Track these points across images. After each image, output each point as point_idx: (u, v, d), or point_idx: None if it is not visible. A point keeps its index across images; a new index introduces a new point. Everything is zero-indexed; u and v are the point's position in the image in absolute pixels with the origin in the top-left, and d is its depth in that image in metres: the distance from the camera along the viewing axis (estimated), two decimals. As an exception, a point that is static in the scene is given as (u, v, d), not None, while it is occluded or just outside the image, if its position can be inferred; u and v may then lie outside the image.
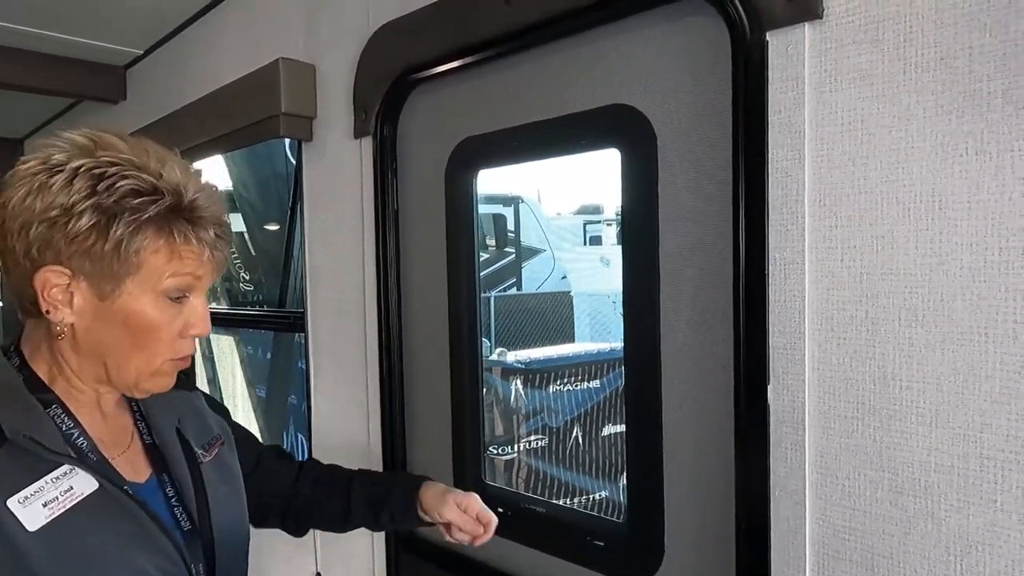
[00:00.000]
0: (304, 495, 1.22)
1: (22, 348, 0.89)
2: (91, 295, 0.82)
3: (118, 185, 0.78)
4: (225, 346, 2.86)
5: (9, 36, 2.43)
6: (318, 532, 1.91)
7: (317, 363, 1.88)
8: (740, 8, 0.96)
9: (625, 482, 1.22)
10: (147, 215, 0.79)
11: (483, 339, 3.69)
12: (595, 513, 1.42)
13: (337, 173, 1.74)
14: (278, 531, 2.05)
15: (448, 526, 1.12)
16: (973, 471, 0.80)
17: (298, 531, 1.27)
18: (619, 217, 1.20)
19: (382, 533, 1.66)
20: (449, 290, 1.50)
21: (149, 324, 0.84)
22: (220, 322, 2.72)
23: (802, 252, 0.92)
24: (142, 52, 2.67)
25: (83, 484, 0.83)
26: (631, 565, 1.21)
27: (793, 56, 0.92)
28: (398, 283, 1.60)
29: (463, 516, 1.11)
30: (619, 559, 1.23)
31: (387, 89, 1.54)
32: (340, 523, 1.25)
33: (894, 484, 0.86)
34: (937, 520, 0.83)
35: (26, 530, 0.77)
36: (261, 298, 3.59)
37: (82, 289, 0.81)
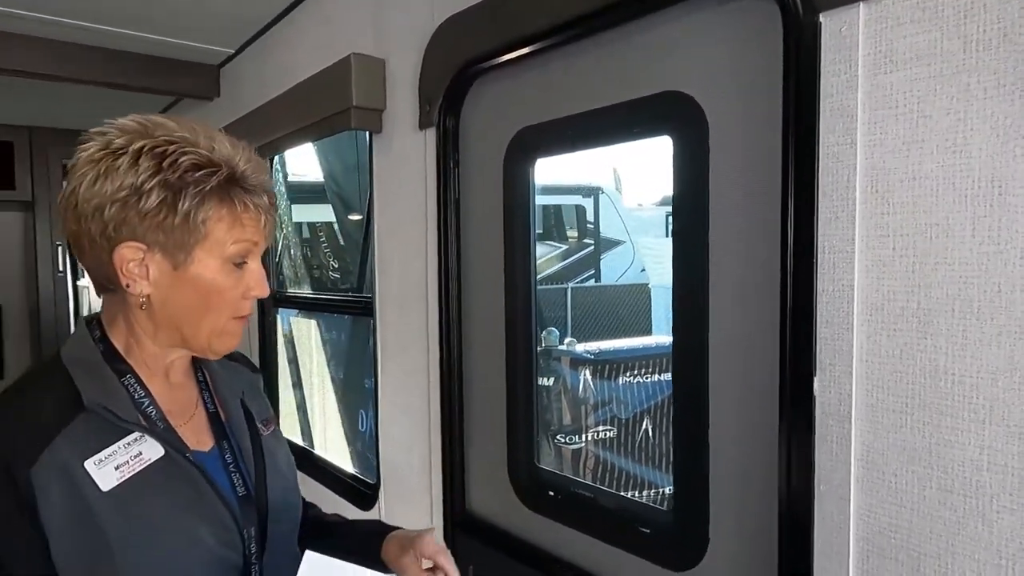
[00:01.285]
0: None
1: (102, 321, 0.98)
2: (166, 266, 0.89)
3: (180, 161, 0.85)
4: (304, 329, 3.03)
5: (116, 40, 2.65)
6: (383, 508, 2.01)
7: (384, 346, 1.97)
8: (791, -11, 0.93)
9: (673, 468, 1.22)
10: (209, 186, 0.86)
11: (555, 329, 3.72)
12: (643, 501, 1.41)
13: (403, 164, 1.81)
14: (344, 507, 2.16)
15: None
16: (1028, 472, 0.76)
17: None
18: (671, 204, 1.19)
19: (439, 508, 1.72)
20: (506, 280, 1.53)
21: (218, 288, 0.91)
22: (299, 306, 2.88)
23: (852, 241, 0.89)
24: (233, 51, 2.85)
25: (151, 450, 0.91)
26: (676, 554, 1.21)
27: (847, 37, 0.89)
28: (458, 272, 1.65)
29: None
30: (664, 548, 1.23)
31: (449, 81, 1.58)
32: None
33: (943, 482, 0.83)
34: (988, 522, 0.79)
35: (100, 489, 0.85)
36: (349, 286, 3.76)
37: (157, 261, 0.89)
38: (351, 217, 3.90)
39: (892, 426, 0.87)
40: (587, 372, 3.58)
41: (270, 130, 2.29)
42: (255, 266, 0.94)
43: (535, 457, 1.54)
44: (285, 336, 2.90)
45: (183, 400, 1.02)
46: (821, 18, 0.91)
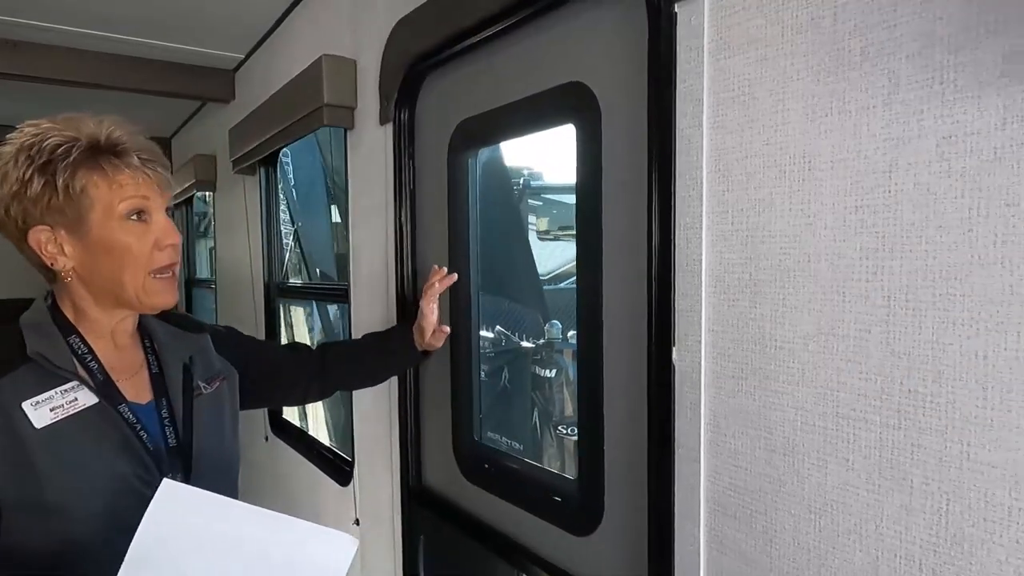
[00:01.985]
0: (331, 372, 1.54)
1: (56, 299, 1.13)
2: (73, 238, 1.03)
3: (44, 145, 0.99)
4: (298, 315, 3.21)
5: (139, 48, 2.86)
6: (358, 486, 2.13)
7: (356, 330, 2.08)
8: (654, -18, 0.99)
9: (577, 442, 1.28)
10: (73, 158, 0.99)
11: (557, 322, 3.76)
12: (557, 472, 1.48)
13: (370, 157, 1.92)
14: (327, 487, 2.29)
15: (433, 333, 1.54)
16: (831, 429, 0.80)
17: (324, 395, 1.62)
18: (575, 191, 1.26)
19: (399, 486, 1.83)
20: (449, 266, 1.62)
21: (124, 245, 1.04)
22: (293, 295, 3.03)
23: (700, 217, 0.95)
24: (244, 56, 3.03)
25: (86, 398, 1.05)
26: (580, 522, 1.27)
27: (695, 25, 0.94)
28: (413, 260, 1.74)
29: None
30: (571, 516, 1.30)
31: (402, 78, 1.68)
32: (363, 384, 1.71)
33: (768, 443, 0.87)
34: (802, 478, 0.84)
35: (33, 427, 0.99)
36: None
37: (64, 237, 1.03)
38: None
39: (731, 391, 0.92)
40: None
41: (264, 130, 2.44)
42: (159, 217, 1.06)
43: (476, 433, 1.62)
44: (285, 322, 3.07)
45: (128, 360, 1.16)
46: (676, 8, 0.97)
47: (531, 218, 4.70)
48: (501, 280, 3.51)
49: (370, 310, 1.98)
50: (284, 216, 3.12)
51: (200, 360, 1.24)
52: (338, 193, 3.73)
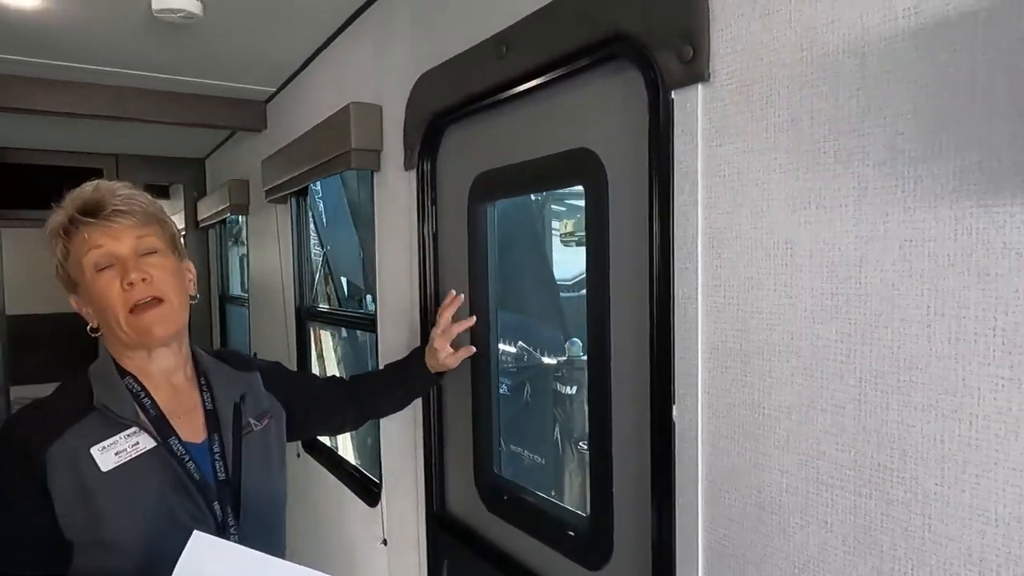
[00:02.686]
0: (362, 402, 1.69)
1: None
2: (82, 300, 1.22)
3: (50, 227, 1.21)
4: (326, 338, 3.35)
5: (181, 85, 3.02)
6: (385, 507, 2.24)
7: (383, 359, 2.19)
8: (653, 69, 1.08)
9: (590, 482, 1.37)
10: (62, 230, 1.19)
11: (577, 340, 3.84)
12: (571, 508, 1.57)
13: (395, 199, 2.03)
14: (355, 506, 2.41)
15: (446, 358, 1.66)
16: (812, 494, 0.88)
17: (359, 424, 1.79)
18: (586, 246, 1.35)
19: (424, 511, 1.93)
20: (470, 305, 1.72)
21: (100, 294, 1.18)
22: (323, 320, 3.16)
23: (696, 288, 1.03)
24: (275, 89, 3.17)
25: (146, 442, 1.18)
26: (591, 556, 1.36)
27: (690, 112, 1.03)
28: (436, 298, 1.85)
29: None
30: (583, 550, 1.39)
31: (424, 130, 1.79)
32: (392, 409, 1.81)
33: (758, 500, 0.95)
34: (787, 536, 0.92)
35: (100, 470, 1.12)
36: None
37: (78, 300, 1.23)
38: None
39: (726, 450, 1.00)
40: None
41: (294, 166, 2.57)
42: (127, 259, 1.18)
43: (495, 465, 1.72)
44: (317, 353, 3.21)
45: (184, 400, 1.29)
46: (673, 94, 1.05)
47: (555, 223, 4.78)
48: (522, 298, 3.60)
49: (395, 339, 2.09)
50: (314, 239, 3.25)
51: (250, 398, 1.36)
52: (357, 208, 3.86)
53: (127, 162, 4.83)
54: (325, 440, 2.92)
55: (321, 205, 3.50)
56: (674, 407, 1.08)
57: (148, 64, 2.77)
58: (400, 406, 1.80)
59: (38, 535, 1.13)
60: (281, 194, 2.90)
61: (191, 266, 1.31)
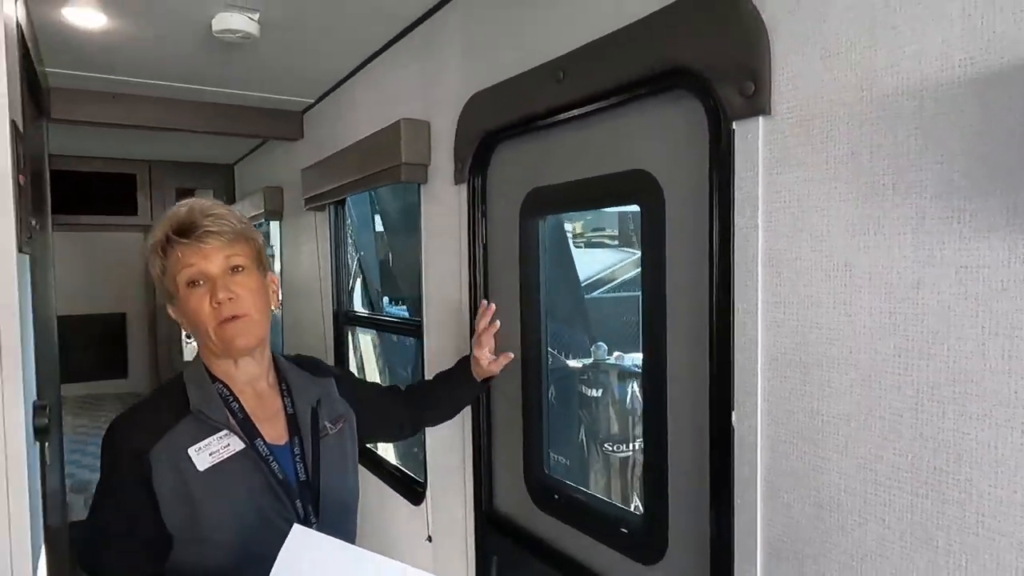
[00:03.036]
0: (416, 410, 1.78)
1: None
2: (178, 311, 1.31)
3: (149, 244, 1.30)
4: (368, 341, 3.46)
5: (216, 96, 3.13)
6: (430, 505, 2.33)
7: (429, 363, 2.28)
8: (714, 101, 1.17)
9: (644, 481, 1.46)
10: (160, 247, 1.27)
11: (603, 343, 3.93)
12: (624, 507, 1.66)
13: (444, 211, 2.12)
14: (398, 504, 2.50)
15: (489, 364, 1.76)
16: (870, 494, 0.97)
17: (415, 431, 1.87)
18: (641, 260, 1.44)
19: (471, 506, 2.03)
20: (521, 314, 1.81)
21: (193, 309, 1.28)
22: (365, 324, 3.26)
23: (756, 305, 1.12)
24: (314, 100, 3.27)
25: (236, 444, 1.27)
26: (646, 552, 1.45)
27: (751, 142, 1.12)
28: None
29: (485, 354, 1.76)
30: (638, 546, 1.48)
31: (476, 146, 1.88)
32: (444, 417, 1.87)
33: (817, 500, 1.04)
34: (846, 532, 1.00)
35: (196, 469, 1.22)
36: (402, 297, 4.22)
37: (175, 310, 1.32)
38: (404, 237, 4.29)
39: (783, 454, 1.09)
40: (635, 384, 3.78)
41: (338, 177, 2.67)
42: (216, 277, 1.27)
43: (544, 465, 1.81)
44: (355, 348, 3.31)
45: (268, 405, 1.38)
46: (735, 125, 1.14)
47: (567, 226, 4.86)
48: (552, 304, 3.70)
49: (441, 344, 2.19)
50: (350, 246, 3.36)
51: (326, 402, 1.46)
52: (385, 216, 3.96)
53: (159, 168, 4.95)
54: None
55: (353, 213, 3.59)
56: (733, 413, 1.17)
57: (194, 78, 2.88)
58: (452, 414, 1.88)
59: (145, 530, 1.23)
60: (322, 203, 3.00)
61: (274, 278, 1.41)
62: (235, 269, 1.30)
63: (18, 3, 1.74)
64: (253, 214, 4.10)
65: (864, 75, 0.96)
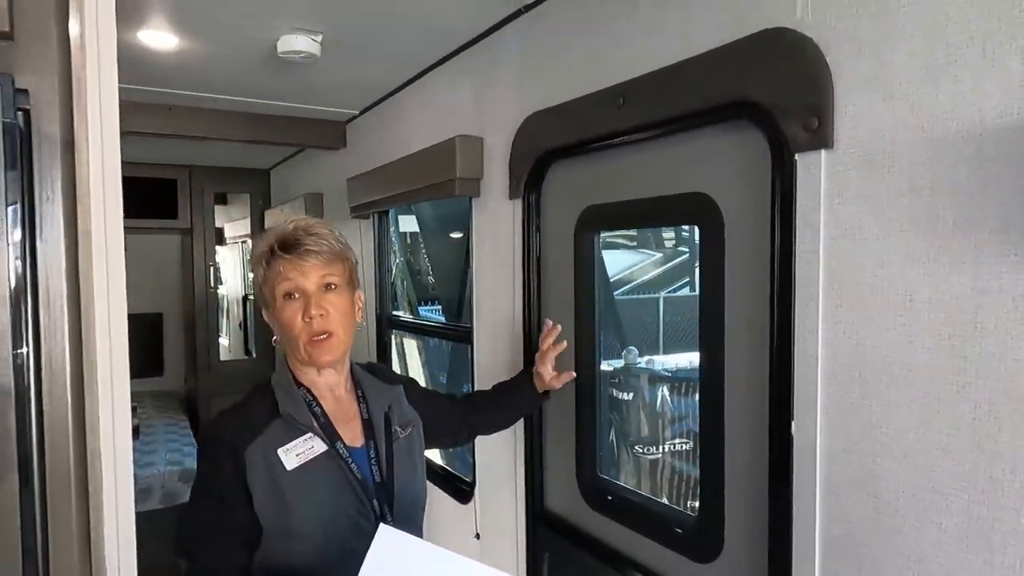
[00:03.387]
0: (475, 419, 1.87)
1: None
2: (272, 317, 1.42)
3: (254, 252, 1.44)
4: (413, 346, 3.58)
5: (272, 108, 3.26)
6: (478, 503, 2.44)
7: (479, 367, 2.39)
8: (778, 133, 1.26)
9: (700, 484, 1.56)
10: (264, 259, 1.39)
11: (634, 348, 4.02)
12: (677, 507, 1.75)
13: (496, 224, 2.22)
14: (444, 503, 2.61)
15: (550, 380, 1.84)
16: (928, 500, 1.06)
17: (471, 439, 2.00)
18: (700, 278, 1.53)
19: (523, 505, 2.13)
20: (575, 323, 1.91)
21: (287, 319, 1.39)
22: (410, 329, 3.38)
23: (816, 324, 1.21)
24: (358, 112, 3.39)
25: (319, 446, 1.38)
26: (701, 550, 1.54)
27: (814, 174, 1.21)
28: (539, 313, 2.04)
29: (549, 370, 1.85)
30: (693, 545, 1.57)
31: (532, 164, 1.98)
32: (500, 426, 1.97)
33: (875, 505, 1.13)
34: (903, 535, 1.10)
35: (285, 468, 1.33)
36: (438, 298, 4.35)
37: (269, 315, 1.43)
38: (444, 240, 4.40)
39: (843, 463, 1.18)
40: (665, 388, 3.87)
41: (388, 188, 2.79)
42: (311, 295, 1.38)
43: (597, 467, 1.91)
44: (398, 352, 3.42)
45: (346, 409, 1.49)
46: (797, 157, 1.23)
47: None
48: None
49: (493, 352, 2.29)
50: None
51: (396, 408, 1.56)
52: (424, 223, 4.06)
53: (199, 173, 5.10)
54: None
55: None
56: (793, 423, 1.26)
57: (249, 91, 3.00)
58: (508, 424, 1.98)
59: (239, 520, 1.34)
60: (369, 211, 3.12)
61: (361, 295, 1.51)
62: (328, 287, 1.41)
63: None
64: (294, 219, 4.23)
65: (925, 117, 1.05)
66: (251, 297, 5.97)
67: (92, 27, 1.45)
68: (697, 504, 1.56)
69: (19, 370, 0.80)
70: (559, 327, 1.85)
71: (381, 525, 1.21)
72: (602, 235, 1.93)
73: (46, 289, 0.85)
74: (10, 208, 0.76)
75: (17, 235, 0.80)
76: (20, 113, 0.78)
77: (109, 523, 1.45)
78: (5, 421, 0.82)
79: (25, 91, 0.79)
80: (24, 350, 0.79)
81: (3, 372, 0.79)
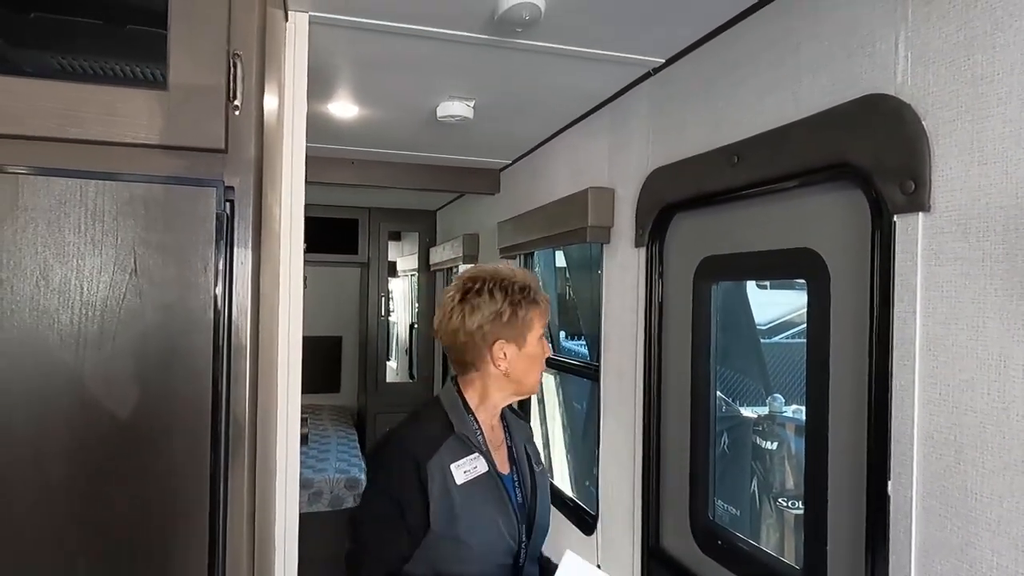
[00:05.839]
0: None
1: (460, 383, 1.66)
2: (515, 349, 1.56)
3: (512, 288, 1.54)
4: (551, 385, 3.76)
5: (429, 159, 3.67)
6: (600, 535, 2.54)
7: (605, 405, 2.51)
8: (877, 194, 1.30)
9: (804, 536, 1.56)
10: (529, 298, 1.54)
11: (779, 395, 3.87)
12: (784, 559, 1.73)
13: (624, 270, 2.36)
14: (570, 533, 2.73)
15: None
16: (1022, 573, 1.03)
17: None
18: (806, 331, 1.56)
19: (640, 545, 2.20)
20: (692, 367, 1.98)
21: (539, 354, 1.57)
22: (553, 366, 3.57)
23: (913, 383, 1.22)
24: (510, 161, 3.70)
25: (482, 466, 1.55)
26: (804, 604, 1.54)
27: (911, 235, 1.23)
28: (659, 356, 2.13)
29: None
30: (796, 598, 1.57)
31: (655, 216, 2.10)
32: None
33: (970, 572, 1.11)
34: (997, 607, 1.06)
35: (456, 483, 1.51)
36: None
37: (510, 348, 1.56)
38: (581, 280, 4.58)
39: (938, 526, 1.17)
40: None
41: (530, 233, 3.02)
42: (544, 339, 1.57)
43: (709, 512, 1.95)
44: (537, 398, 3.62)
45: (497, 438, 1.67)
46: (896, 218, 1.26)
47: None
48: (726, 351, 3.73)
49: (618, 391, 2.41)
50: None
51: (531, 444, 1.74)
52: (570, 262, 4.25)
53: (377, 214, 5.76)
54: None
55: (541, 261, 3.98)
56: (889, 483, 1.26)
57: (415, 147, 3.42)
58: None
59: (412, 518, 1.49)
60: (515, 252, 3.38)
61: None
62: None
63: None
64: (451, 256, 4.64)
65: (1020, 183, 1.05)
66: (416, 325, 6.53)
67: (289, 110, 1.83)
68: (804, 558, 1.56)
69: (215, 381, 1.09)
70: None
71: (567, 551, 1.34)
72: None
73: (236, 323, 1.13)
74: (219, 269, 1.06)
75: (220, 287, 1.10)
76: (227, 203, 1.08)
77: (279, 513, 1.77)
78: (208, 419, 1.11)
79: (231, 187, 1.09)
80: (219, 365, 1.08)
81: (205, 383, 1.09)
